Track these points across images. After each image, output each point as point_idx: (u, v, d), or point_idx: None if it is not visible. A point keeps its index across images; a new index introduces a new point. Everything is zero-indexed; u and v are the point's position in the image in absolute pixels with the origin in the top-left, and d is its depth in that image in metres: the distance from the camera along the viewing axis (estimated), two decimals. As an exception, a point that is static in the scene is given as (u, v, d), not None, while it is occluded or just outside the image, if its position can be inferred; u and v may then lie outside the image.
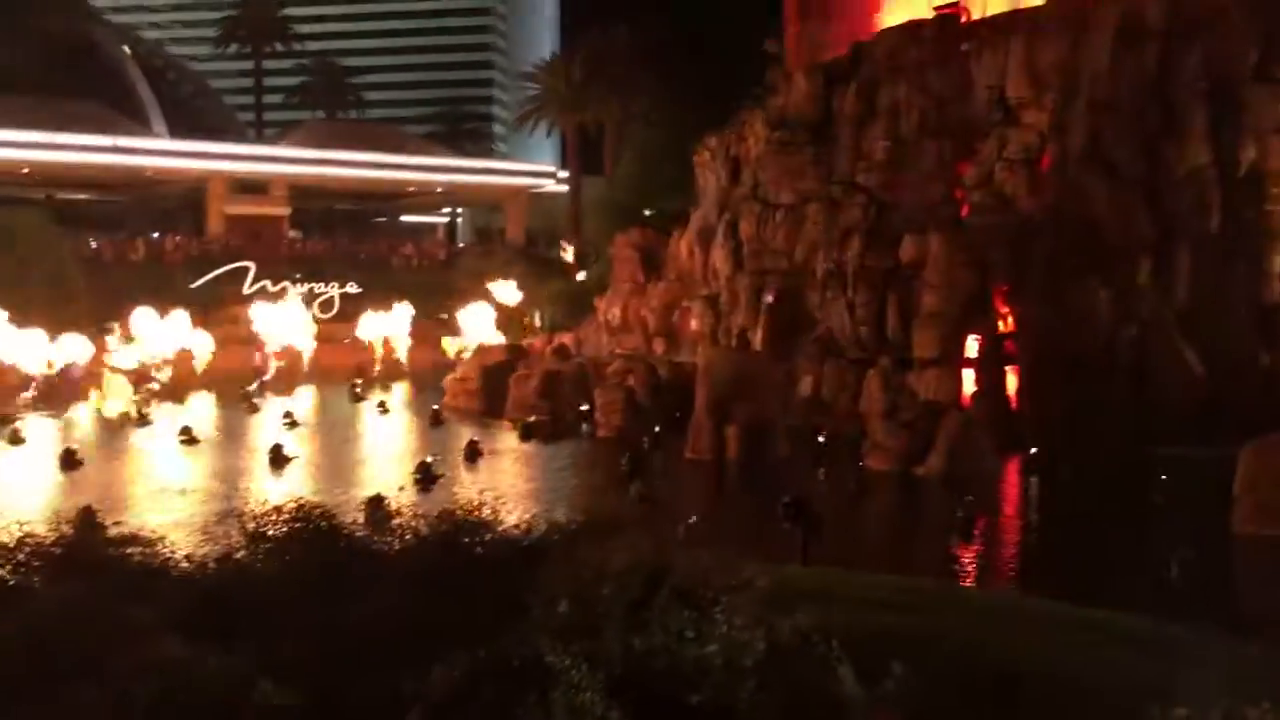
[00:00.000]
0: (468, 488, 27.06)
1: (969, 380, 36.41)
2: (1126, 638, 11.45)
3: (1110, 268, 35.83)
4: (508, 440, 38.01)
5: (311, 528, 9.41)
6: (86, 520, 12.89)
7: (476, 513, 9.54)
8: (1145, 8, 38.01)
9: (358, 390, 50.12)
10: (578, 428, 39.85)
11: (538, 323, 66.31)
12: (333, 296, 71.17)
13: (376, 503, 20.01)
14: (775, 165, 44.55)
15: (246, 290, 67.75)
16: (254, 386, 50.83)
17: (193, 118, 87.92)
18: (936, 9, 46.77)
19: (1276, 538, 22.89)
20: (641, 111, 74.17)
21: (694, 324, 45.98)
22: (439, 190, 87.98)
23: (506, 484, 29.43)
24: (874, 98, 43.06)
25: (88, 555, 9.33)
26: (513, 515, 10.11)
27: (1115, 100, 37.53)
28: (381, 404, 46.50)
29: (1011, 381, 36.63)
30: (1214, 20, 37.38)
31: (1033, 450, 32.02)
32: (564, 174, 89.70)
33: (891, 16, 47.15)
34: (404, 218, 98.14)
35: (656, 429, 36.50)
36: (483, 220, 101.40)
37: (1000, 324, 37.36)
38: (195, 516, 24.19)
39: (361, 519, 11.36)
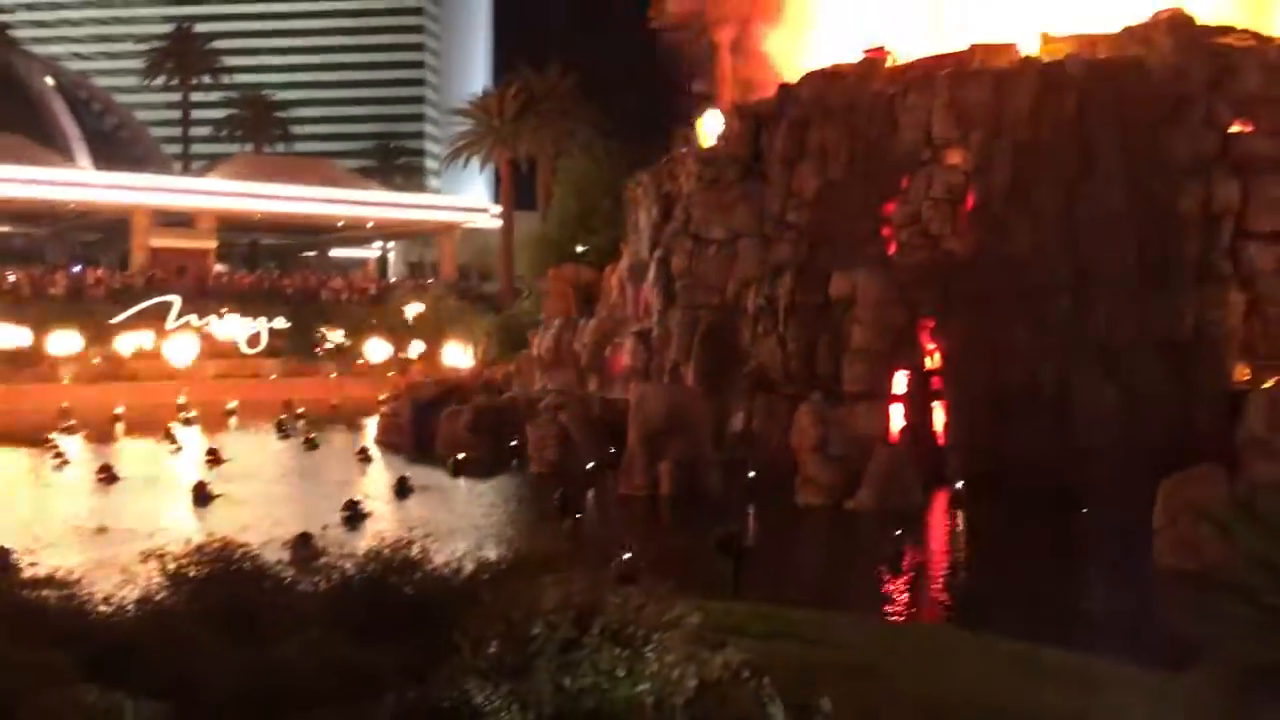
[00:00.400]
0: (397, 525, 26.68)
1: (898, 415, 36.89)
2: (1050, 670, 11.64)
3: (1033, 304, 36.62)
4: (439, 476, 37.62)
5: (235, 567, 9.23)
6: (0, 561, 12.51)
7: (405, 550, 9.43)
8: (1063, 54, 39.18)
9: (285, 426, 49.33)
10: (510, 463, 39.61)
11: (471, 358, 65.99)
12: (259, 331, 70.23)
13: (303, 541, 19.64)
14: (707, 202, 44.94)
15: (170, 325, 66.65)
16: (177, 421, 49.85)
17: (118, 150, 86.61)
18: (864, 52, 47.74)
19: (1196, 571, 23.40)
20: (574, 147, 74.53)
21: (626, 359, 46.06)
22: (370, 224, 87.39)
23: (437, 521, 29.05)
24: (803, 137, 43.67)
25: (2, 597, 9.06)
26: (442, 553, 10.01)
27: (1036, 142, 38.52)
28: (309, 440, 45.80)
29: (939, 416, 37.17)
30: (1130, 69, 38.65)
31: (959, 484, 32.48)
32: (497, 209, 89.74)
33: (819, 58, 48.05)
34: (333, 252, 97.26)
35: (589, 464, 36.41)
36: (415, 254, 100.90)
37: (928, 359, 37.95)
38: (115, 556, 23.54)
39: (287, 557, 11.15)
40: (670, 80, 71.90)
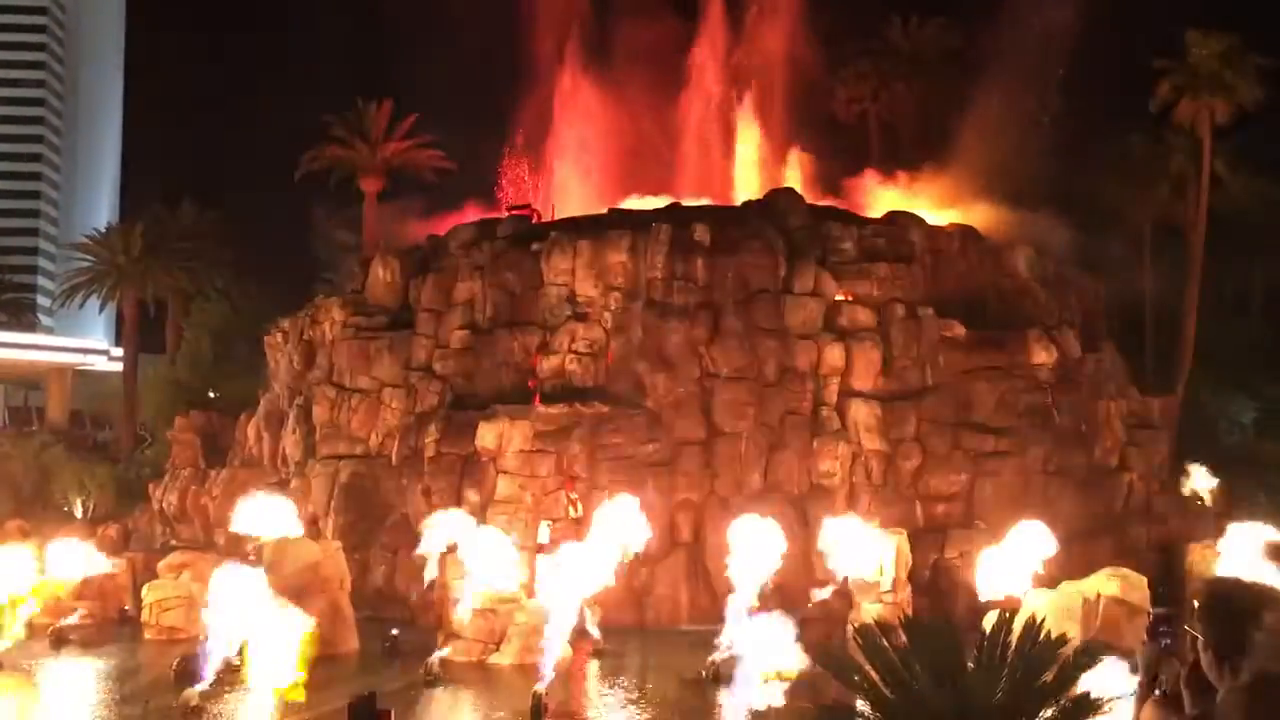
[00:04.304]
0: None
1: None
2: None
3: (672, 459, 38.15)
4: (34, 651, 33.05)
5: None
6: None
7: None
8: (693, 224, 42.22)
9: None
10: (121, 630, 35.75)
11: (78, 511, 59.73)
12: None
13: None
14: (352, 350, 44.00)
15: None
16: None
17: None
18: (510, 209, 49.35)
19: None
20: (209, 289, 70.95)
21: (261, 512, 43.33)
22: (-36, 363, 78.52)
23: (21, 707, 25.60)
24: (451, 289, 43.99)
25: None
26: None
27: (669, 303, 40.83)
28: None
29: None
30: (748, 240, 42.17)
31: (598, 635, 32.68)
32: (118, 351, 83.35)
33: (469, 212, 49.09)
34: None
35: (214, 628, 33.50)
36: (19, 398, 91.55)
37: (572, 510, 38.35)
38: None
39: None
40: (315, 225, 70.86)
